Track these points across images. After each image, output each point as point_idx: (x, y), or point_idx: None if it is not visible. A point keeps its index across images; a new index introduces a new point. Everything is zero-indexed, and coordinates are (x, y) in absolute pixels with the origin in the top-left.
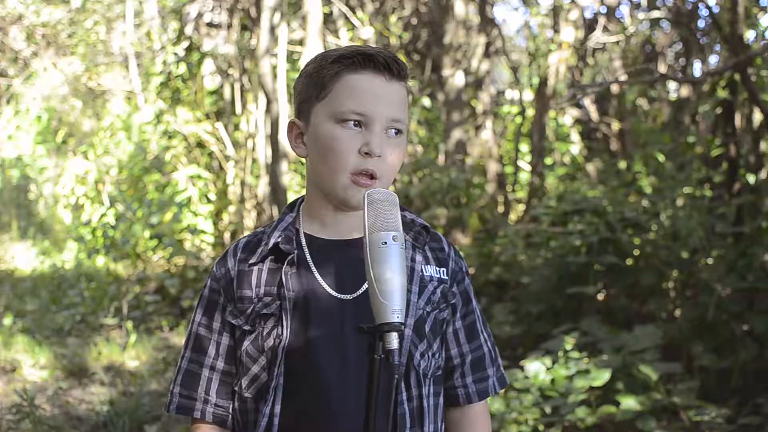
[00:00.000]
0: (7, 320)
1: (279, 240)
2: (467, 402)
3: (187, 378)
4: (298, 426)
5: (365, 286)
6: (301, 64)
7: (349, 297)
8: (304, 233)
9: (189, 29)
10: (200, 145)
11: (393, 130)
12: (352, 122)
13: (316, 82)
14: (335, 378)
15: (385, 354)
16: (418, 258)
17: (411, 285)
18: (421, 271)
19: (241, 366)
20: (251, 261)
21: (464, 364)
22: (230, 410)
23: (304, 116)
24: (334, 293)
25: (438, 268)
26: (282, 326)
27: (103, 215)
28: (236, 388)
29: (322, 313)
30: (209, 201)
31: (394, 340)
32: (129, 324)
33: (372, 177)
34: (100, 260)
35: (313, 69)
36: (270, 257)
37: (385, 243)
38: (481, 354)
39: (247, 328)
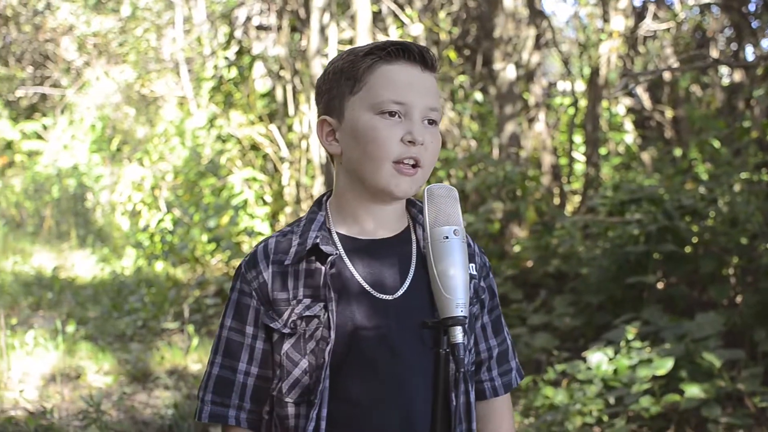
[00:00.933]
0: (70, 328)
1: (318, 240)
2: (494, 395)
3: (220, 385)
4: (347, 428)
5: (406, 285)
6: None
7: (390, 297)
8: (337, 233)
9: (239, 33)
10: (254, 147)
11: (429, 119)
12: (392, 112)
13: (348, 77)
14: (385, 378)
15: (450, 348)
16: None
17: None
18: None
19: (280, 370)
20: (287, 262)
21: (491, 358)
22: (262, 415)
23: (336, 112)
24: (375, 294)
25: (468, 264)
26: (328, 328)
27: (160, 221)
28: (274, 393)
29: (366, 314)
30: (265, 203)
31: (459, 334)
32: (190, 328)
33: (414, 165)
34: (159, 266)
35: (344, 64)
36: (308, 258)
37: (447, 237)
38: (505, 347)
39: (286, 331)
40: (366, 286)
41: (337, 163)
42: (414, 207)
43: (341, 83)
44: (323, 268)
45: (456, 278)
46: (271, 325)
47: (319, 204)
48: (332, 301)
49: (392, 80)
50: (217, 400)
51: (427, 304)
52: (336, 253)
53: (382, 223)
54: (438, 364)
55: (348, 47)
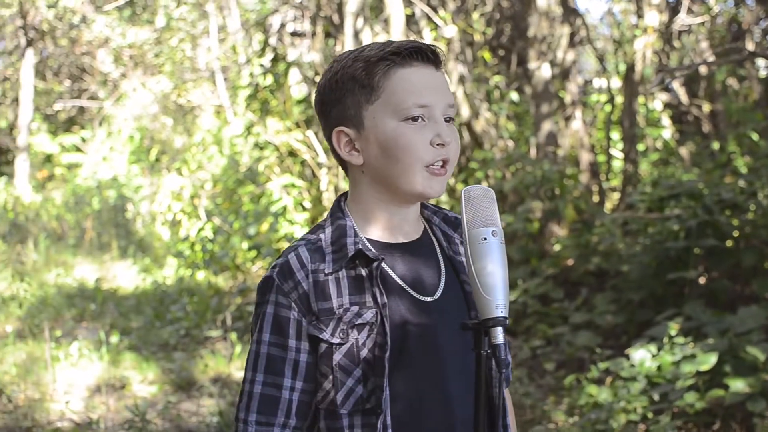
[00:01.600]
0: (114, 338)
1: (360, 246)
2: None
3: (264, 403)
4: None
5: (442, 286)
6: None
7: (431, 299)
8: (365, 238)
9: (273, 40)
10: (292, 154)
11: (448, 117)
12: (416, 117)
13: (363, 85)
14: (431, 380)
15: (492, 349)
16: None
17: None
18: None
19: (331, 381)
20: (327, 271)
21: None
22: (305, 428)
23: (354, 122)
24: (418, 296)
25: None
26: (384, 334)
27: (200, 230)
28: (324, 406)
29: (414, 318)
30: (304, 209)
31: (499, 335)
32: (233, 335)
33: (443, 165)
34: (201, 274)
35: (356, 72)
36: (347, 266)
37: (485, 239)
38: (506, 341)
39: (336, 341)
40: (408, 288)
41: (356, 171)
42: (427, 209)
43: (356, 92)
44: (367, 272)
45: (495, 279)
46: (320, 336)
47: (341, 209)
48: (386, 306)
49: (412, 84)
50: (263, 420)
51: (462, 304)
52: (382, 258)
53: (406, 226)
54: (479, 365)
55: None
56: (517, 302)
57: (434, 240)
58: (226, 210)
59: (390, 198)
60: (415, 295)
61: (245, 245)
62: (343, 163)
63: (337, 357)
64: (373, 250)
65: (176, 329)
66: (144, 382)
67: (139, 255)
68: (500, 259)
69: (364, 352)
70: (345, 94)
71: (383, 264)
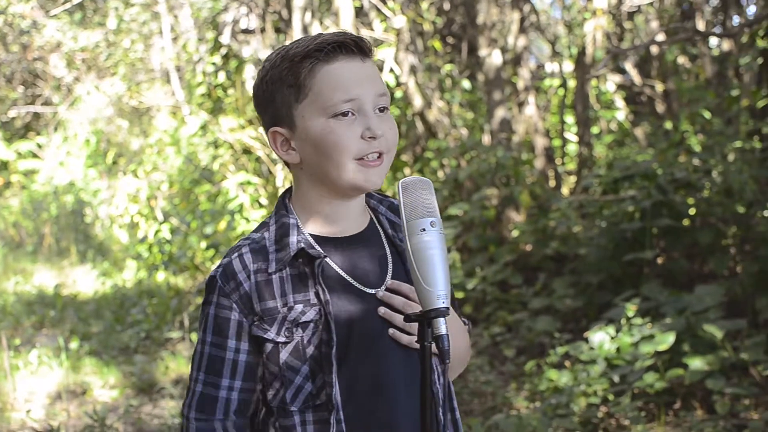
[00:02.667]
0: (74, 344)
1: (302, 245)
2: None
3: (203, 402)
4: (362, 426)
5: (388, 278)
6: None
7: (377, 290)
8: (311, 234)
9: (225, 38)
10: (247, 151)
11: (380, 107)
12: (345, 112)
13: (290, 84)
14: (387, 372)
15: (435, 340)
16: None
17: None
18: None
19: (280, 379)
20: (270, 270)
21: None
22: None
23: (286, 122)
24: (364, 289)
25: (447, 255)
26: (329, 331)
27: (158, 231)
28: (276, 404)
29: (360, 312)
30: (261, 206)
31: (442, 326)
32: (193, 336)
33: (379, 156)
34: (160, 276)
35: (281, 72)
36: (291, 263)
37: (424, 230)
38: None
39: (281, 340)
40: (353, 282)
41: (296, 169)
42: (372, 198)
43: (284, 92)
44: (310, 270)
45: (435, 270)
46: (264, 336)
47: (285, 207)
48: (329, 303)
49: (337, 80)
50: (202, 417)
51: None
52: (324, 255)
53: (349, 219)
54: (424, 356)
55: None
56: (476, 290)
57: (381, 230)
58: (183, 210)
59: (330, 193)
60: (361, 287)
61: (203, 244)
62: (285, 163)
63: (284, 356)
64: (316, 247)
65: (136, 332)
66: (105, 386)
67: (98, 259)
68: (440, 249)
69: (311, 350)
70: (275, 95)
71: (327, 260)
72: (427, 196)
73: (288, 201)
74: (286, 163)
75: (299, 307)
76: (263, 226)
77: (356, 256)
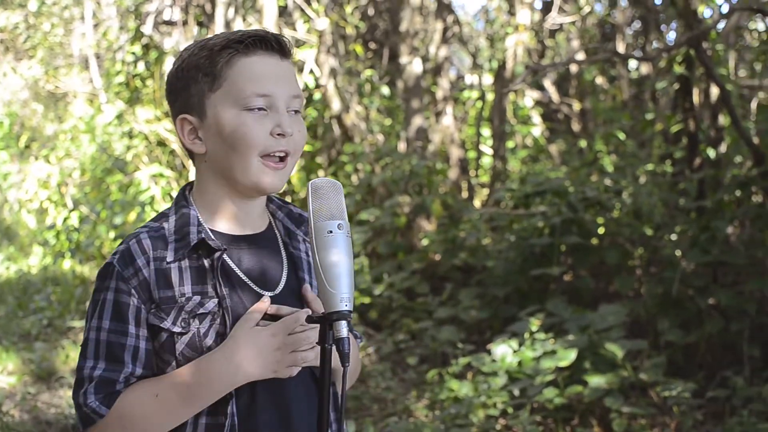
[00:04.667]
0: None
1: (202, 236)
2: None
3: (102, 385)
4: (256, 420)
5: (283, 281)
6: None
7: (271, 293)
8: (209, 229)
9: (148, 28)
10: (161, 143)
11: (293, 109)
12: (258, 107)
13: (206, 73)
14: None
15: (336, 342)
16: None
17: (310, 277)
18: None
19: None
20: (169, 259)
21: None
22: None
23: (196, 110)
24: (259, 290)
25: (353, 258)
26: (224, 325)
27: (66, 218)
28: None
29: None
30: (172, 199)
31: (343, 329)
32: None
33: (282, 159)
34: (66, 263)
35: (200, 60)
36: (190, 254)
37: (331, 232)
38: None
39: (177, 330)
40: (249, 282)
41: (200, 161)
42: (272, 203)
43: (199, 80)
44: (209, 263)
45: (340, 272)
46: (161, 324)
47: (185, 198)
48: (226, 297)
49: (253, 73)
50: (101, 393)
51: (298, 301)
52: (224, 248)
53: (248, 219)
54: (324, 358)
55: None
56: (382, 296)
57: (278, 234)
58: (94, 199)
59: (231, 190)
60: (256, 288)
61: (111, 234)
62: (189, 153)
63: (180, 346)
64: (215, 240)
65: (39, 319)
66: (3, 372)
67: (4, 243)
68: (346, 252)
69: (208, 342)
70: (189, 83)
71: (226, 256)
72: (336, 198)
73: (188, 193)
74: (191, 154)
75: (197, 299)
76: (162, 216)
77: (256, 257)
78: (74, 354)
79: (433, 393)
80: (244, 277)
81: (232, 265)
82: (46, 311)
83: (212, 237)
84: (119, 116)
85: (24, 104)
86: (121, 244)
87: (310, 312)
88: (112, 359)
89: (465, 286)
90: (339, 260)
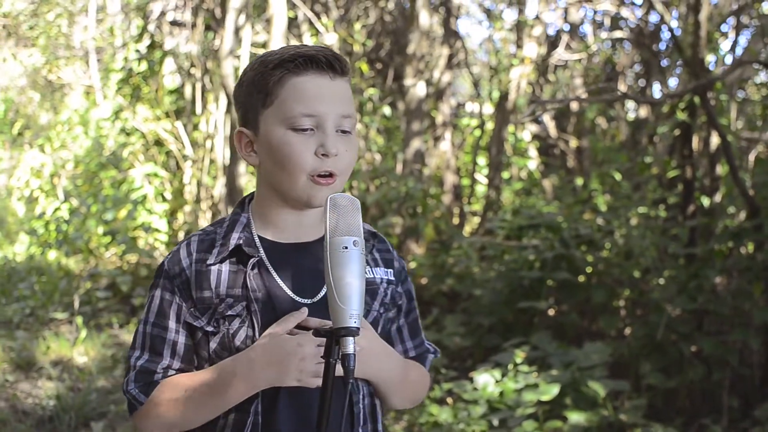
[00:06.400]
0: None
1: (240, 242)
2: None
3: (143, 374)
4: (279, 422)
5: (324, 290)
6: None
7: (308, 301)
8: (259, 236)
9: (152, 27)
10: (158, 143)
11: (344, 128)
12: (304, 128)
13: (259, 90)
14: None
15: (342, 358)
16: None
17: None
18: (372, 274)
19: (208, 366)
20: (209, 261)
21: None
22: None
23: (252, 125)
24: (295, 297)
25: (386, 270)
26: (252, 328)
27: (57, 209)
28: None
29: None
30: (164, 200)
31: (350, 345)
32: (79, 319)
33: (331, 175)
34: (52, 254)
35: (255, 76)
36: (230, 258)
37: (346, 248)
38: (423, 350)
39: (210, 329)
40: (286, 288)
41: (257, 172)
42: None
43: (253, 96)
44: (245, 267)
45: (352, 289)
46: (195, 323)
47: (242, 206)
48: (254, 301)
49: (302, 93)
50: (140, 381)
51: None
52: (258, 256)
53: (300, 229)
54: (327, 372)
55: (261, 50)
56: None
57: None
58: (85, 192)
59: (282, 201)
60: (292, 295)
61: (101, 230)
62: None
63: (213, 345)
64: (258, 247)
65: (21, 308)
66: None
67: None
68: (359, 269)
69: (237, 342)
70: (246, 98)
71: (267, 262)
72: (354, 215)
73: (248, 201)
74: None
75: (229, 301)
76: (220, 221)
77: (298, 265)
78: (55, 345)
79: (412, 416)
80: (282, 284)
81: (272, 271)
82: (29, 300)
83: (256, 243)
84: (117, 112)
85: (21, 91)
86: (176, 245)
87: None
88: (153, 351)
89: (450, 312)
90: (352, 277)
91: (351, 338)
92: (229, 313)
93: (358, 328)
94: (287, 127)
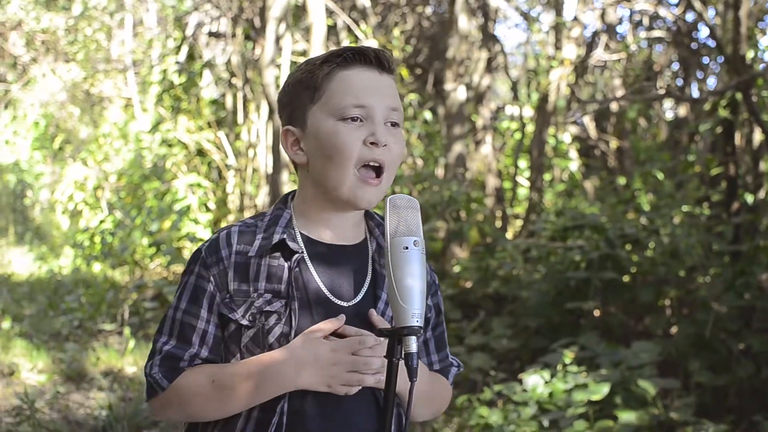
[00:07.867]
0: (6, 324)
1: (284, 236)
2: None
3: (168, 359)
4: (305, 424)
5: (361, 294)
6: None
7: (345, 304)
8: (301, 233)
9: (190, 39)
10: (201, 153)
11: (391, 121)
12: (354, 117)
13: (308, 86)
14: None
15: (405, 357)
16: None
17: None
18: None
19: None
20: (250, 254)
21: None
22: None
23: (299, 122)
24: (332, 298)
25: (425, 275)
26: (290, 325)
27: (101, 222)
28: None
29: (322, 317)
30: (208, 209)
31: (413, 344)
32: (128, 330)
33: (377, 175)
34: (97, 267)
35: (302, 75)
36: (272, 253)
37: (407, 248)
38: (447, 364)
39: (245, 322)
40: (324, 289)
41: (302, 171)
42: (372, 220)
43: (301, 94)
44: (286, 264)
45: (413, 288)
46: (230, 315)
47: (285, 202)
48: (295, 299)
49: (351, 85)
50: (165, 366)
51: (379, 314)
52: (301, 252)
53: (342, 231)
54: (390, 371)
55: (302, 58)
56: None
57: (369, 250)
58: (129, 204)
59: (327, 201)
60: (330, 296)
61: (146, 241)
62: (293, 163)
63: (245, 339)
64: (300, 243)
65: (69, 320)
66: (33, 370)
67: (35, 242)
68: (420, 269)
69: (270, 339)
70: (293, 97)
71: (307, 261)
72: (413, 215)
73: (290, 199)
74: (294, 165)
75: (268, 296)
76: (260, 215)
77: (338, 266)
78: (104, 356)
79: (462, 418)
80: (321, 285)
81: (312, 271)
82: (77, 312)
83: (298, 240)
84: (156, 124)
85: (61, 106)
86: (215, 233)
87: (378, 338)
88: (182, 338)
89: (497, 315)
90: (413, 276)
91: (413, 337)
92: (267, 309)
93: (421, 327)
94: (336, 118)
